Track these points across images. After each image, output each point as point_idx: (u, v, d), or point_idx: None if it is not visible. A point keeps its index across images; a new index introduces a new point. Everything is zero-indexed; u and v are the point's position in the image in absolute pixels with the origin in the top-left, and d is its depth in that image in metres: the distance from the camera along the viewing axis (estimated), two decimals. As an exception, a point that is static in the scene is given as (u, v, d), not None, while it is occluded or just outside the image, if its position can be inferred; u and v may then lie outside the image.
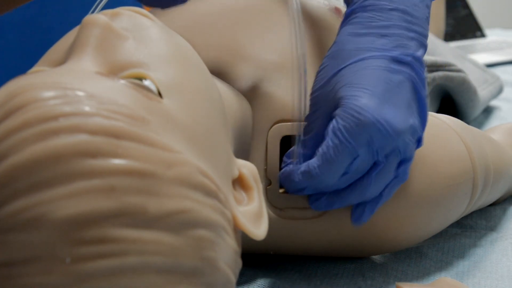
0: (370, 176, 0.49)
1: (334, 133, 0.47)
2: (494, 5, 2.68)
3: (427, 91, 0.78)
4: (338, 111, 0.48)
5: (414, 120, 0.49)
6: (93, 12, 0.51)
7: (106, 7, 0.47)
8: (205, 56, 0.54)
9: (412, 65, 0.50)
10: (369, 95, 0.48)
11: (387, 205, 0.53)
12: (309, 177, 0.49)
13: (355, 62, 0.50)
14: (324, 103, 0.50)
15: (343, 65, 0.50)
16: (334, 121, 0.48)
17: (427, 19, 0.53)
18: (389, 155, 0.48)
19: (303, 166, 0.50)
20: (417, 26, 0.51)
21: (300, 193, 0.52)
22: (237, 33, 0.59)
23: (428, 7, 0.53)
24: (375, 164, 0.48)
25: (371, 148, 0.47)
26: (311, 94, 0.52)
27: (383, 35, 0.51)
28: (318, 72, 0.53)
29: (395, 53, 0.50)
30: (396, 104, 0.48)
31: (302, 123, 0.52)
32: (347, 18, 0.53)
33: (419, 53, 0.51)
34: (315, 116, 0.51)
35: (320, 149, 0.48)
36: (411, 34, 0.51)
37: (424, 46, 0.52)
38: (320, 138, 0.49)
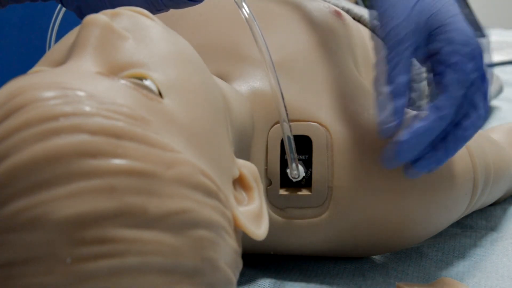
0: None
1: (455, 66, 0.48)
2: (494, 5, 2.68)
3: (427, 91, 0.78)
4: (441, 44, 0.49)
5: None
6: (52, 28, 0.51)
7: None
8: (206, 56, 0.54)
9: None
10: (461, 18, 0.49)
11: (387, 205, 0.53)
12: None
13: None
14: (411, 35, 0.49)
15: None
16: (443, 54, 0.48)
17: None
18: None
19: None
20: None
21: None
22: (236, 33, 0.59)
23: None
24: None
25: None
26: (389, 28, 0.51)
27: None
28: (383, 12, 0.52)
29: None
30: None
31: (289, 123, 0.50)
32: None
33: None
34: (398, 50, 0.50)
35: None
36: None
37: None
38: (406, 69, 0.49)
